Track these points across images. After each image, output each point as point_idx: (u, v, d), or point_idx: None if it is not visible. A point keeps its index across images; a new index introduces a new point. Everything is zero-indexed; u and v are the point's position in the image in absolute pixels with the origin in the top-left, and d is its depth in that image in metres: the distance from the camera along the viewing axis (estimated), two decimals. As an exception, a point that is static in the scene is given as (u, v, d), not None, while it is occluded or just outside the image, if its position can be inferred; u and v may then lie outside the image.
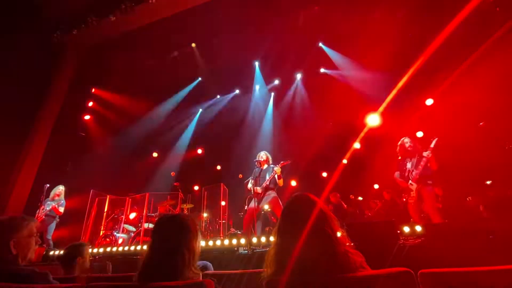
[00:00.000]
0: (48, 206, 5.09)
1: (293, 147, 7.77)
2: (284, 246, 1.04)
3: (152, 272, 1.12)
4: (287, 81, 8.30)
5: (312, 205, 1.07)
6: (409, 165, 3.73)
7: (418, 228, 2.87)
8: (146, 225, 5.66)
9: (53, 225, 5.14)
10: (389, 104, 5.81)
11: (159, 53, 7.38)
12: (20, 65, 5.94)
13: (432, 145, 3.49)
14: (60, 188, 5.37)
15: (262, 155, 4.66)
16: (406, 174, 3.68)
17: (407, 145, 3.79)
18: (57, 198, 5.22)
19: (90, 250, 2.47)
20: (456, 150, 3.69)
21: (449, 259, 2.12)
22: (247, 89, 8.66)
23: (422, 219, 3.78)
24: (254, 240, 3.49)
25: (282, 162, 4.39)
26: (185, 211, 6.38)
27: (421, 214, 3.91)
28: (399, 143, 3.94)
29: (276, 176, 4.35)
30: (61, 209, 5.13)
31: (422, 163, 3.49)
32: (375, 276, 0.90)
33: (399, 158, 3.95)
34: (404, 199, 3.65)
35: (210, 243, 3.83)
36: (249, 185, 4.56)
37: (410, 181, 3.59)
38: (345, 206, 6.56)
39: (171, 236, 1.19)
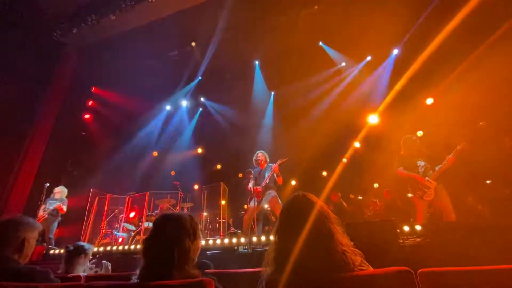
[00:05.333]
0: (50, 205, 5.09)
1: (293, 146, 7.77)
2: (283, 246, 1.05)
3: (147, 271, 1.12)
4: (287, 81, 8.29)
5: (311, 205, 1.07)
6: (420, 163, 3.74)
7: (418, 227, 2.87)
8: (146, 224, 5.67)
9: (55, 224, 5.15)
10: (389, 103, 5.81)
11: (159, 52, 7.37)
12: (20, 64, 5.94)
13: (458, 148, 3.53)
14: (61, 188, 5.38)
15: (260, 154, 4.66)
16: (421, 171, 3.69)
17: (416, 143, 3.82)
18: (59, 196, 5.22)
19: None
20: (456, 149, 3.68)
21: (449, 259, 2.13)
22: (247, 88, 8.65)
23: (427, 218, 3.79)
24: (254, 239, 3.49)
25: (279, 160, 4.40)
26: (185, 210, 6.39)
27: (427, 213, 3.91)
28: (407, 140, 3.89)
29: (274, 174, 4.36)
30: (65, 208, 5.15)
31: (444, 164, 3.54)
32: (374, 276, 0.90)
33: (402, 153, 3.93)
34: (418, 195, 3.63)
35: (210, 242, 3.84)
36: (250, 185, 4.56)
37: (427, 178, 3.60)
38: (346, 205, 6.56)
39: (164, 236, 1.17)
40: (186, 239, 1.17)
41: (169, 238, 1.15)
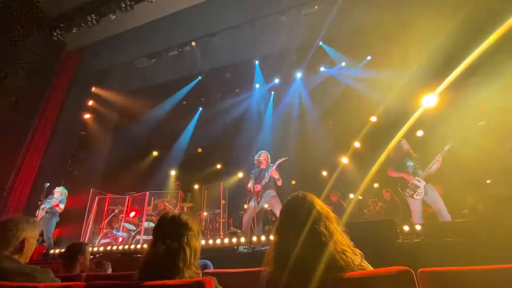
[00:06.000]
0: (48, 204, 5.09)
1: (293, 146, 7.77)
2: (282, 245, 1.05)
3: (152, 270, 1.12)
4: (287, 80, 8.29)
5: (310, 205, 1.07)
6: (410, 163, 3.86)
7: (418, 227, 2.87)
8: (146, 224, 5.67)
9: (53, 223, 5.14)
10: (389, 103, 5.81)
11: (159, 52, 7.37)
12: (20, 64, 5.94)
13: (446, 149, 3.69)
14: (61, 189, 5.39)
15: (263, 154, 4.68)
16: (410, 171, 3.82)
17: (405, 147, 4.04)
18: (58, 195, 5.22)
19: (90, 249, 2.50)
20: (456, 149, 3.73)
21: (449, 259, 2.13)
22: (247, 88, 8.65)
23: (423, 217, 3.84)
24: (254, 239, 3.49)
25: (279, 159, 4.42)
26: (185, 210, 6.39)
27: (426, 212, 3.99)
28: (397, 144, 4.10)
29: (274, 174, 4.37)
30: (62, 206, 5.14)
31: (435, 164, 3.66)
32: (374, 275, 0.90)
33: (392, 156, 4.13)
34: (409, 193, 3.73)
35: (210, 241, 3.84)
36: (250, 185, 4.57)
37: (417, 178, 3.69)
38: (345, 205, 6.55)
39: (173, 235, 1.18)
40: (194, 239, 1.19)
41: (180, 238, 1.16)
